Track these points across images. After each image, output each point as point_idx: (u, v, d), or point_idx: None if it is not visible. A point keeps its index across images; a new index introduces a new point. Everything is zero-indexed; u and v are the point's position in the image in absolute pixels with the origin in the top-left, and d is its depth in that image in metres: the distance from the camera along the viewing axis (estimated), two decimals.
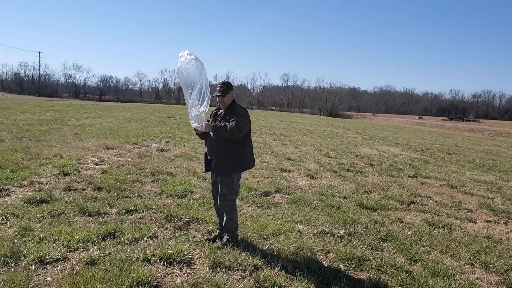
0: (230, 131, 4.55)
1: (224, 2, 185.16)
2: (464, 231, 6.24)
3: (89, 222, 5.28)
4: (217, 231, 5.15)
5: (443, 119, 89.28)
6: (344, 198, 7.74)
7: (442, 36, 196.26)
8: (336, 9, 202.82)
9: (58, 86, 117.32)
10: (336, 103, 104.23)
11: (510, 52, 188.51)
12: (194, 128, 4.74)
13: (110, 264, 4.04)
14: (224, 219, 4.93)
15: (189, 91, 4.61)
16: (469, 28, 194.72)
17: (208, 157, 4.96)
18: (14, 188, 6.59)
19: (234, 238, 4.87)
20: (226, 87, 4.84)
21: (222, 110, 4.93)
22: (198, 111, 4.58)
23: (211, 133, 4.81)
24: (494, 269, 4.78)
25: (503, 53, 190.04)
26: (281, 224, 5.70)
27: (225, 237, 4.91)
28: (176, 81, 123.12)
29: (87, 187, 7.08)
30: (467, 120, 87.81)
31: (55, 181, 7.27)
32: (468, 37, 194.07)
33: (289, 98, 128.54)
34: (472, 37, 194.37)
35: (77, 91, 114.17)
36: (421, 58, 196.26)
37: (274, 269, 4.26)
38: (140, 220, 5.52)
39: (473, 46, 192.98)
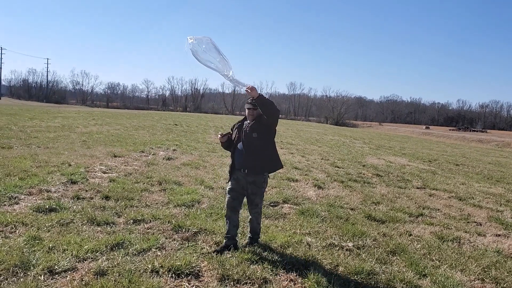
0: (273, 104, 4.81)
1: (232, 12, 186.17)
2: (474, 245, 6.18)
3: (97, 232, 5.29)
4: (224, 241, 5.14)
5: (450, 129, 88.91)
6: (352, 209, 7.71)
7: (449, 45, 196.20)
8: (342, 18, 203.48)
9: (65, 93, 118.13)
10: (343, 112, 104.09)
11: None
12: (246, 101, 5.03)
13: (119, 275, 4.04)
14: (252, 225, 5.27)
15: (218, 63, 4.82)
16: (477, 38, 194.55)
17: (237, 168, 5.12)
18: (23, 196, 6.62)
19: (257, 240, 5.30)
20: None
21: (247, 122, 5.12)
22: (229, 78, 4.81)
23: (239, 144, 5.06)
24: (505, 285, 4.73)
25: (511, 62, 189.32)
26: (289, 236, 5.67)
27: (248, 239, 5.31)
28: (183, 88, 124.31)
29: (95, 195, 7.10)
30: (474, 131, 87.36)
31: (63, 190, 7.29)
32: (476, 47, 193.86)
33: (296, 107, 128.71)
34: (480, 47, 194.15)
35: (84, 98, 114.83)
36: (428, 67, 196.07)
37: (283, 283, 4.24)
38: (148, 230, 5.52)
39: (481, 56, 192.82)
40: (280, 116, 5.31)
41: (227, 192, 5.25)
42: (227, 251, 4.91)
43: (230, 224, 5.13)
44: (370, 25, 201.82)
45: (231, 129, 5.37)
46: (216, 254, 4.82)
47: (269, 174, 5.51)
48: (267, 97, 4.91)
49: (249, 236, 5.33)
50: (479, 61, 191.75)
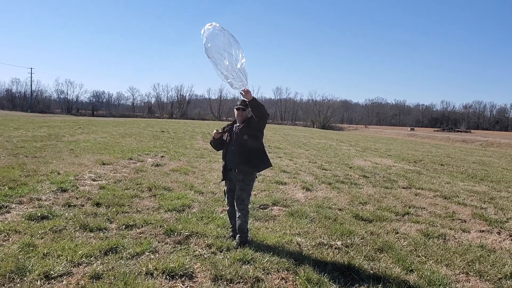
0: (264, 108, 5.15)
1: (216, 17, 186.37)
2: (458, 241, 6.36)
3: (90, 238, 5.35)
4: (231, 232, 5.68)
5: (435, 130, 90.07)
6: (340, 210, 7.86)
7: (431, 47, 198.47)
8: (326, 23, 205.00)
9: (50, 102, 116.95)
10: (329, 115, 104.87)
11: (500, 63, 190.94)
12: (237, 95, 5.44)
13: (115, 278, 4.12)
14: (239, 222, 5.39)
15: (220, 60, 5.11)
16: (459, 39, 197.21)
17: (229, 167, 5.45)
18: (13, 205, 6.65)
19: (246, 239, 5.41)
20: (246, 104, 5.32)
21: (237, 125, 5.47)
22: (238, 69, 5.07)
23: (233, 145, 5.40)
24: (488, 278, 4.90)
25: (494, 64, 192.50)
26: (279, 237, 5.80)
27: (237, 239, 5.41)
28: (169, 95, 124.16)
29: (86, 203, 7.15)
30: (458, 131, 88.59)
31: (54, 198, 7.33)
32: (458, 48, 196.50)
33: (282, 111, 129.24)
34: (462, 48, 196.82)
35: (69, 106, 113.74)
36: (411, 70, 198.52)
37: (275, 281, 4.36)
38: (141, 235, 5.60)
39: (463, 57, 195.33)
40: (268, 121, 5.52)
41: (225, 192, 5.66)
42: (234, 240, 5.46)
43: (233, 218, 5.58)
44: (353, 29, 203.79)
45: (223, 130, 5.63)
46: (227, 240, 5.48)
47: (260, 174, 5.70)
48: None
49: (238, 236, 5.43)
50: (462, 62, 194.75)
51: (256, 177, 5.71)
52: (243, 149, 5.31)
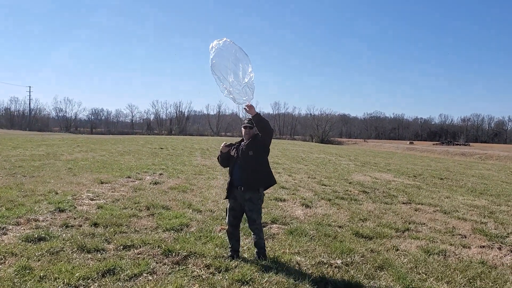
0: (269, 123, 5.30)
1: (213, 33, 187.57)
2: (459, 257, 6.32)
3: (88, 259, 5.30)
4: (229, 252, 5.66)
5: (434, 144, 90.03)
6: (340, 227, 7.81)
7: (429, 60, 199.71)
8: (323, 38, 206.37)
9: (49, 120, 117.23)
10: (327, 129, 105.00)
11: (497, 75, 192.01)
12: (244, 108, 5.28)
13: None
14: (254, 240, 5.56)
15: (226, 75, 5.23)
16: (456, 52, 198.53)
17: (235, 184, 5.51)
18: (10, 227, 6.60)
19: (264, 254, 5.55)
20: (253, 123, 5.44)
21: (244, 142, 5.58)
22: (245, 82, 5.17)
23: (239, 161, 5.49)
24: None
25: (491, 76, 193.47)
26: (278, 256, 5.75)
27: (256, 254, 5.57)
28: (168, 111, 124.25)
29: (84, 223, 7.10)
30: (457, 144, 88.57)
31: (51, 218, 7.28)
32: (455, 61, 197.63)
33: (281, 126, 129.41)
34: (459, 61, 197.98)
35: (68, 124, 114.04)
36: (409, 83, 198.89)
37: None
38: (138, 256, 5.55)
39: (461, 70, 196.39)
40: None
41: (227, 211, 5.67)
42: (232, 259, 5.46)
43: (233, 239, 5.65)
44: (350, 44, 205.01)
45: (231, 145, 5.73)
46: (226, 260, 5.43)
47: (264, 191, 5.72)
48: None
49: (256, 251, 5.59)
50: (460, 75, 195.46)
51: (263, 195, 5.75)
52: (249, 165, 5.42)
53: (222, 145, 5.70)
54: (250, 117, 5.38)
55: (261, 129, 5.26)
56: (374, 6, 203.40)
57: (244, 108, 5.27)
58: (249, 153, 5.42)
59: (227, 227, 5.68)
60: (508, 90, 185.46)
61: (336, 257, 5.87)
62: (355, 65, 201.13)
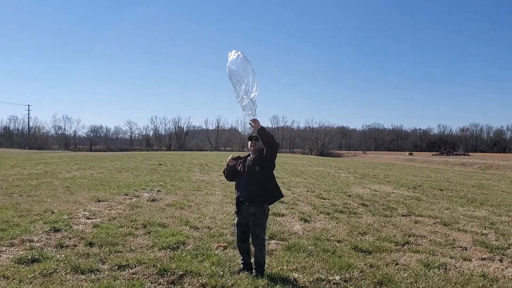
0: (273, 138, 5.39)
1: (212, 49, 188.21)
2: (460, 270, 6.22)
3: (81, 280, 5.20)
4: (241, 265, 5.74)
5: (433, 154, 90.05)
6: (338, 241, 7.71)
7: (426, 71, 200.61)
8: (319, 50, 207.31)
9: (48, 138, 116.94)
10: (326, 142, 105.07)
11: (495, 85, 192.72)
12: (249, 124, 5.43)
13: None
14: (256, 256, 5.54)
15: (237, 88, 5.44)
16: (453, 62, 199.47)
17: (241, 199, 5.54)
18: (4, 248, 6.50)
19: (262, 273, 5.50)
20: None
21: (250, 157, 5.65)
22: (250, 98, 5.34)
23: (243, 177, 5.55)
24: None
25: (488, 86, 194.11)
26: (276, 273, 5.65)
27: (254, 272, 5.52)
28: (166, 127, 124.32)
29: (79, 243, 7.00)
30: (457, 154, 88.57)
31: (46, 238, 7.18)
32: (453, 71, 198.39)
33: (280, 139, 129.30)
34: (456, 71, 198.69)
35: (67, 142, 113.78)
36: (407, 94, 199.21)
37: None
38: (133, 276, 5.45)
39: (458, 80, 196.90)
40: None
41: (235, 226, 5.73)
42: (246, 272, 5.56)
43: (243, 252, 5.72)
44: (348, 56, 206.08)
45: (238, 158, 5.81)
46: (238, 273, 5.51)
47: (270, 205, 5.75)
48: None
49: (254, 268, 5.57)
50: (457, 85, 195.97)
51: (268, 209, 5.75)
52: (254, 180, 5.45)
53: (229, 158, 5.73)
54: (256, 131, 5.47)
55: (266, 143, 5.32)
56: (370, 18, 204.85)
57: (250, 123, 5.38)
58: (256, 168, 5.45)
59: (237, 243, 5.74)
60: (506, 99, 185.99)
61: (334, 273, 5.77)
62: (352, 77, 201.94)
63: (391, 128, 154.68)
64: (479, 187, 20.12)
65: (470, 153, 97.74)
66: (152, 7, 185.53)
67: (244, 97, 5.37)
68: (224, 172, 5.92)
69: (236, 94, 5.45)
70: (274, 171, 5.64)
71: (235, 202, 5.70)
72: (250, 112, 5.38)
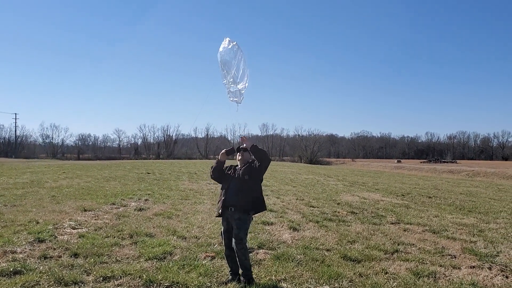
0: (266, 154, 5.58)
1: (201, 55, 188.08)
2: (449, 278, 6.18)
3: None
4: (230, 276, 5.70)
5: (421, 162, 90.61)
6: (328, 250, 7.64)
7: (413, 78, 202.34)
8: (309, 58, 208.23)
9: (35, 147, 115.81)
10: (316, 150, 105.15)
11: (481, 92, 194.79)
12: (221, 153, 5.75)
13: None
14: (240, 261, 5.49)
15: (225, 71, 5.60)
16: (440, 69, 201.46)
17: (227, 205, 5.59)
18: None
19: (250, 276, 5.54)
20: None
21: (239, 167, 5.81)
22: (237, 88, 5.49)
23: (232, 183, 5.65)
24: None
25: (475, 93, 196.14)
26: (264, 284, 5.57)
27: (242, 276, 5.53)
28: (155, 135, 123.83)
29: (64, 253, 6.85)
30: (444, 162, 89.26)
31: (30, 249, 7.03)
32: (440, 78, 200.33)
33: (269, 147, 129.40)
34: (444, 78, 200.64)
35: (55, 151, 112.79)
36: (395, 103, 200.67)
37: None
38: None
39: (445, 88, 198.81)
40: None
41: (222, 234, 5.75)
42: (234, 282, 5.51)
43: (231, 261, 5.69)
44: (336, 63, 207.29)
45: (228, 167, 5.91)
46: (225, 285, 5.46)
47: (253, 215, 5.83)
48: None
49: (241, 272, 5.56)
50: (444, 93, 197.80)
51: (252, 218, 5.83)
52: (242, 188, 5.55)
53: (222, 152, 5.81)
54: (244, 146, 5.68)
55: (259, 160, 5.52)
56: (359, 24, 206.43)
57: (239, 143, 5.66)
58: (245, 177, 5.60)
59: (225, 251, 5.73)
60: (492, 108, 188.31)
61: (323, 283, 5.71)
62: (341, 84, 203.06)
63: (379, 136, 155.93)
64: (467, 194, 20.21)
65: (458, 161, 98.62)
66: (142, 18, 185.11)
67: (232, 84, 5.50)
68: (211, 168, 5.91)
69: (224, 79, 5.60)
70: (263, 180, 5.67)
71: (219, 204, 5.69)
72: (236, 99, 5.52)
